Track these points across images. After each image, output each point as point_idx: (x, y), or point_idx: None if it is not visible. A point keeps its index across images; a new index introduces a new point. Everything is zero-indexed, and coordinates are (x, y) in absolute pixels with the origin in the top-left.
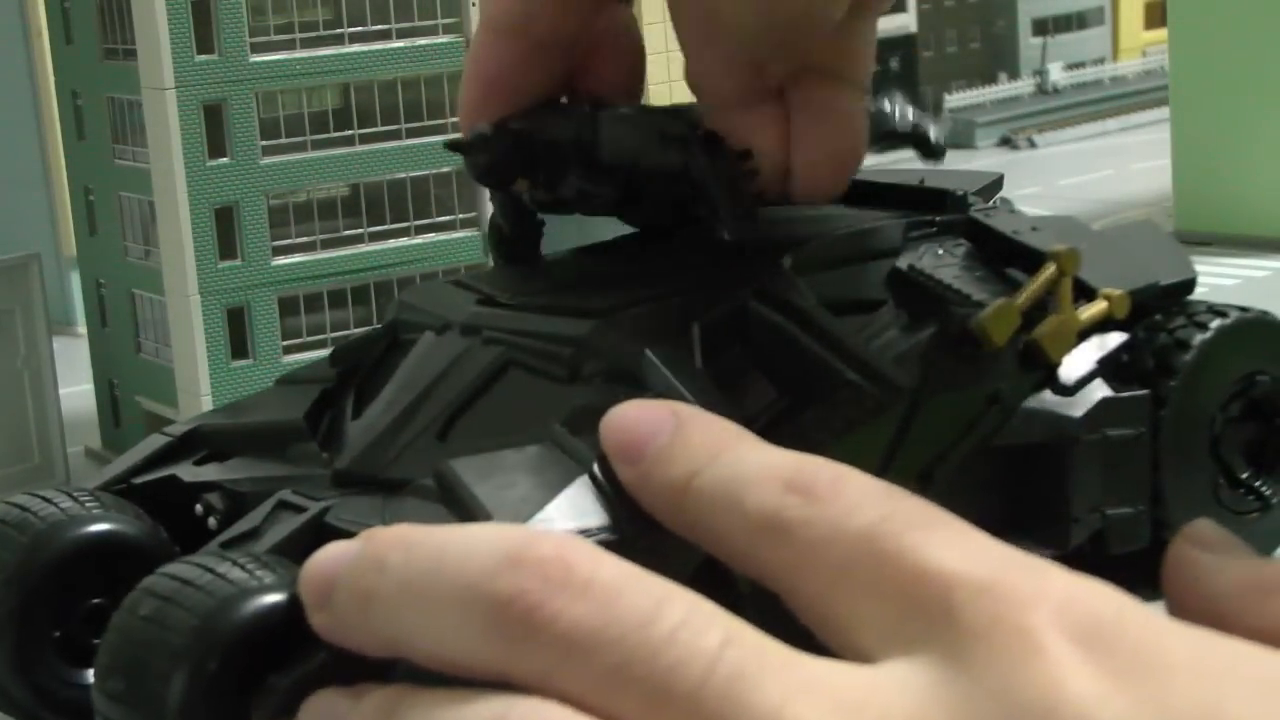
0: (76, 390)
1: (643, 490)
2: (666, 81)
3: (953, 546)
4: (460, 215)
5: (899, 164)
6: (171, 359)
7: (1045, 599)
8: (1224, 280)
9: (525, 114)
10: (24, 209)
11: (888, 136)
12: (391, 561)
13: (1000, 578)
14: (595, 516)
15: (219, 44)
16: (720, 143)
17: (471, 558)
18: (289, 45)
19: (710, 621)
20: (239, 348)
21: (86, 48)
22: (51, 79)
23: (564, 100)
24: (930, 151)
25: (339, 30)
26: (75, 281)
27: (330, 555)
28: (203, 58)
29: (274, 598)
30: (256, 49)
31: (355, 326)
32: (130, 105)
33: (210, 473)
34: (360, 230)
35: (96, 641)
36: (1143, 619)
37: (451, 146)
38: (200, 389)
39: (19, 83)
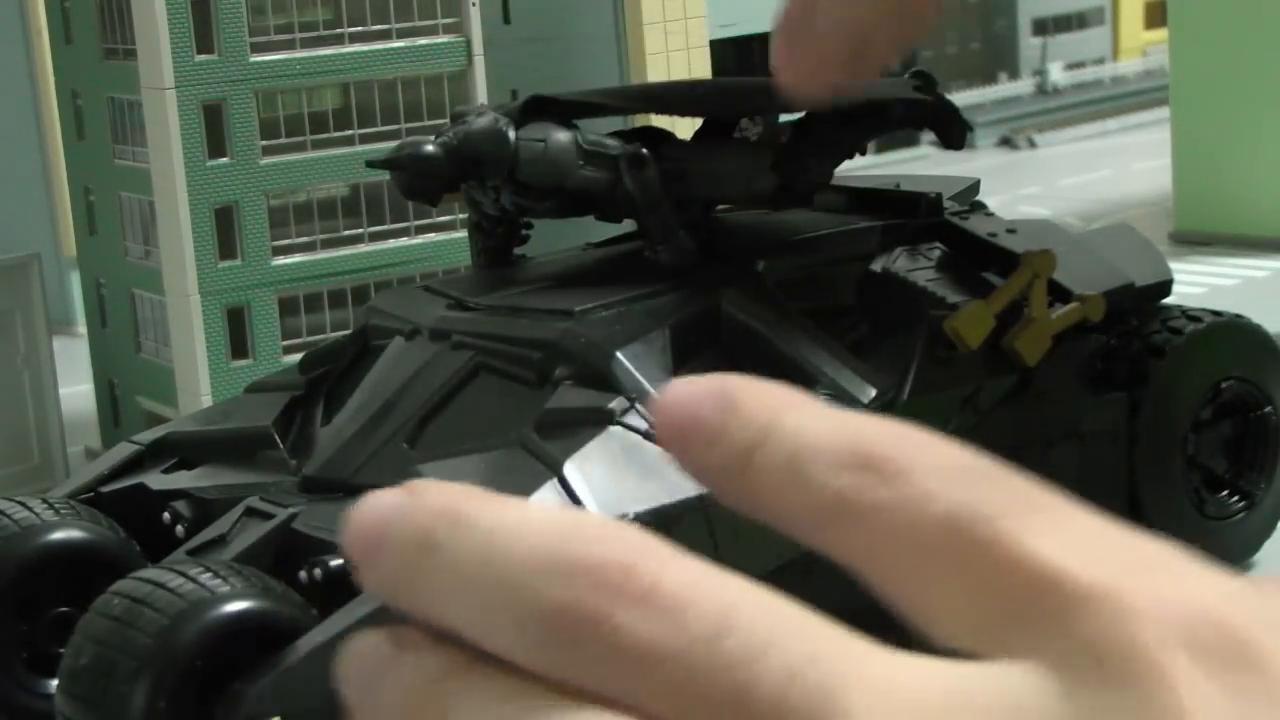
0: (76, 390)
1: (702, 473)
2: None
3: (1056, 535)
4: (460, 216)
5: (880, 167)
6: (171, 359)
7: (1170, 612)
8: (1224, 280)
9: (456, 123)
10: (24, 209)
11: (910, 121)
12: (439, 541)
13: (1117, 582)
14: None
15: (219, 44)
16: (646, 162)
17: (521, 553)
18: (289, 45)
19: (787, 629)
20: (239, 348)
21: (86, 47)
22: (51, 79)
23: (500, 118)
24: (949, 138)
25: (339, 30)
26: (75, 281)
27: (375, 513)
28: (203, 57)
29: (238, 606)
30: (256, 49)
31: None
32: (130, 105)
33: (178, 480)
34: (360, 230)
35: (61, 650)
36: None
37: (375, 164)
38: (200, 389)
39: (19, 83)
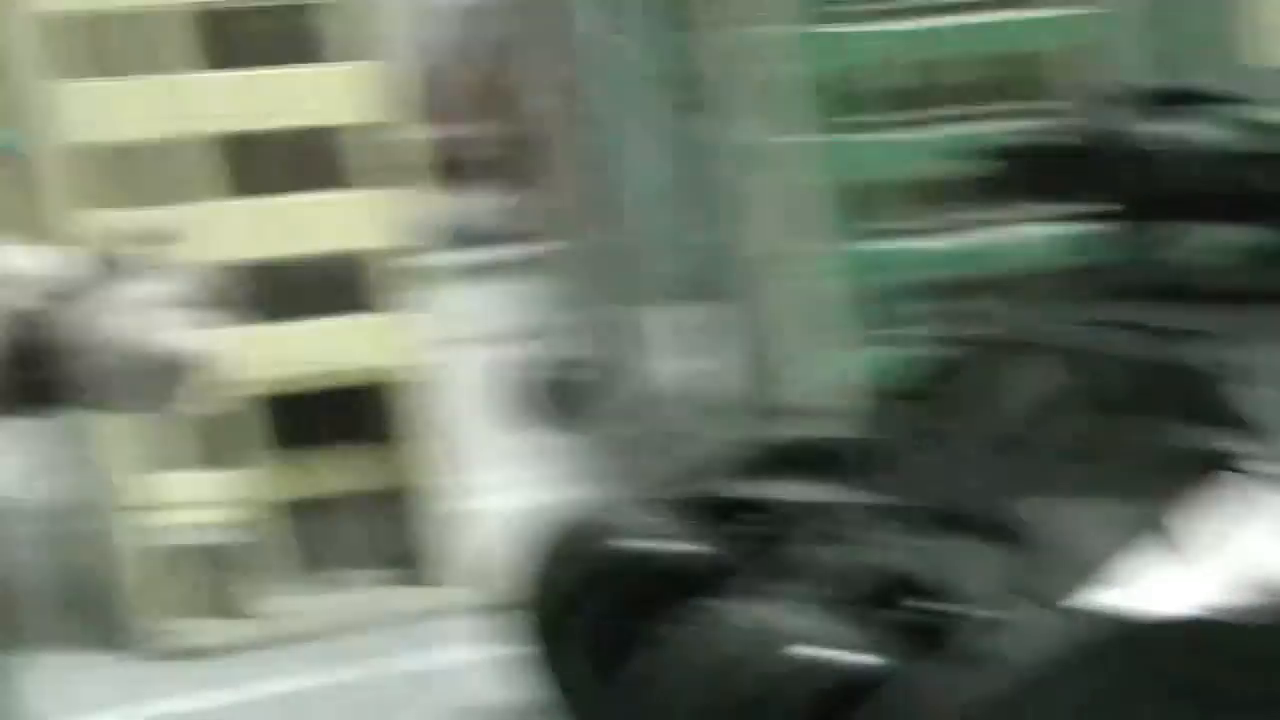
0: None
1: None
2: None
3: None
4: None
5: None
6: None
7: None
8: None
9: (1071, 113)
10: None
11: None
12: None
13: None
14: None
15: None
16: None
17: None
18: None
19: None
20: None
21: None
22: None
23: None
24: None
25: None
26: None
27: None
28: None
29: (864, 659)
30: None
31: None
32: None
33: (764, 489)
34: (968, 218)
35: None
36: None
37: (989, 153)
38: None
39: None
